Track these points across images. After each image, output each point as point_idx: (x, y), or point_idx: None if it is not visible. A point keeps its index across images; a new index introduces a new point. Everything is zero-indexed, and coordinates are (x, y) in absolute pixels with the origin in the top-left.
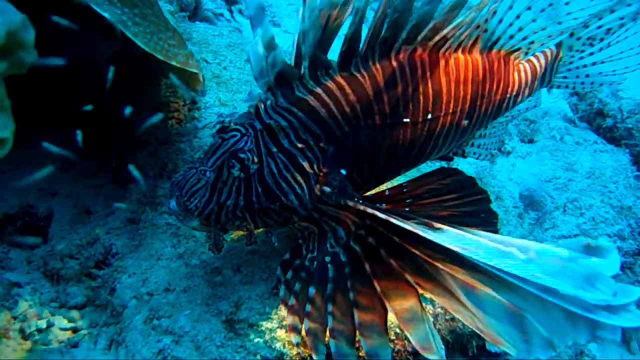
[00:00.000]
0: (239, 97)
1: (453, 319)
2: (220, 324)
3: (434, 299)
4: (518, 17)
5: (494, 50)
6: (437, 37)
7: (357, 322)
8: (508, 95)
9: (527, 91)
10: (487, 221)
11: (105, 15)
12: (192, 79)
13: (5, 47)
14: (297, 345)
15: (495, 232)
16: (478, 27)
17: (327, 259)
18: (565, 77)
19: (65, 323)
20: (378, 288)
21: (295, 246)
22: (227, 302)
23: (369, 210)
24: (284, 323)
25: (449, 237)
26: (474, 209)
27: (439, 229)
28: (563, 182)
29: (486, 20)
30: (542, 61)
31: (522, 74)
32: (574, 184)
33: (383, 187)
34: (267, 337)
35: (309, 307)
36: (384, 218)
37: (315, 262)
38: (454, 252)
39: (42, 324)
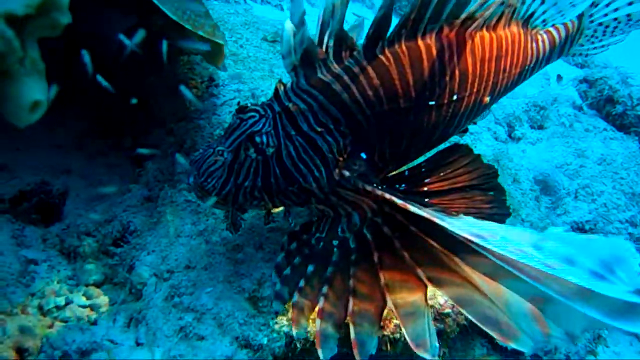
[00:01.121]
0: (256, 75)
1: None
2: (243, 302)
3: (445, 295)
4: None
5: (514, 22)
6: (464, 16)
7: (350, 309)
8: (526, 67)
9: (544, 62)
10: (499, 199)
11: None
12: (215, 51)
13: (40, 7)
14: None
15: (507, 208)
16: (503, 3)
17: (335, 242)
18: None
19: (83, 300)
20: (382, 279)
21: (307, 222)
22: (249, 279)
23: (387, 196)
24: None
25: (465, 224)
26: (488, 186)
27: (456, 217)
28: (574, 169)
29: None
30: (563, 32)
31: (540, 45)
32: (585, 170)
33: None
34: (290, 314)
35: (302, 283)
36: (401, 204)
37: (322, 243)
38: (473, 247)
39: (61, 300)
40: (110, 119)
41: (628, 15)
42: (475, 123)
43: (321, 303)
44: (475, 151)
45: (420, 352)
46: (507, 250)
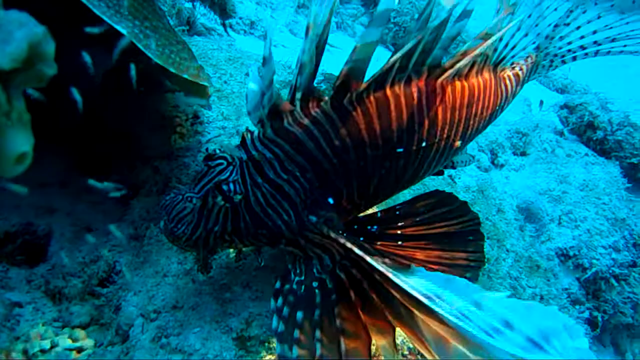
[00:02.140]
0: (241, 110)
1: None
2: (231, 342)
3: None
4: (513, 36)
5: (486, 69)
6: (437, 70)
7: (342, 350)
8: (497, 108)
9: (511, 99)
10: (477, 245)
11: (119, 28)
12: (199, 92)
13: (27, 60)
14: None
15: (482, 256)
16: (476, 54)
17: (315, 284)
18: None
19: (69, 343)
20: (363, 317)
21: (284, 272)
22: (237, 319)
23: (348, 245)
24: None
25: (417, 282)
26: (465, 233)
27: (410, 272)
28: (557, 195)
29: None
30: (525, 68)
31: (509, 83)
32: (568, 196)
33: (376, 208)
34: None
35: (297, 333)
36: (359, 255)
37: (303, 287)
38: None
39: (46, 344)
40: (95, 156)
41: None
42: (454, 167)
43: (318, 350)
44: (459, 182)
45: None
46: (451, 314)
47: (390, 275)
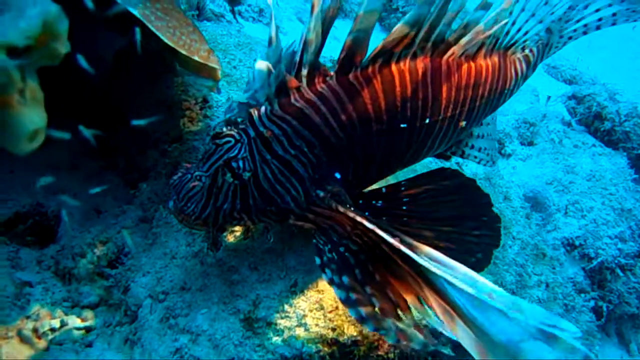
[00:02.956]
0: None
1: None
2: (238, 323)
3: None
4: (527, 20)
5: (496, 52)
6: (442, 45)
7: (393, 300)
8: (506, 91)
9: (522, 82)
10: (489, 225)
11: (130, 9)
12: (210, 75)
13: (40, 38)
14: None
15: (498, 237)
16: (485, 35)
17: (342, 249)
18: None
19: (78, 322)
20: (389, 276)
21: (315, 248)
22: (244, 300)
23: (358, 219)
24: (303, 321)
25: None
26: (475, 211)
27: (423, 251)
28: (564, 185)
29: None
30: (535, 51)
31: (519, 67)
32: (574, 186)
33: (383, 182)
34: (285, 335)
35: (353, 296)
36: (371, 228)
37: (334, 254)
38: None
39: (56, 323)
40: (104, 139)
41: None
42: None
43: (377, 303)
44: (466, 169)
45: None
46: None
47: (401, 247)
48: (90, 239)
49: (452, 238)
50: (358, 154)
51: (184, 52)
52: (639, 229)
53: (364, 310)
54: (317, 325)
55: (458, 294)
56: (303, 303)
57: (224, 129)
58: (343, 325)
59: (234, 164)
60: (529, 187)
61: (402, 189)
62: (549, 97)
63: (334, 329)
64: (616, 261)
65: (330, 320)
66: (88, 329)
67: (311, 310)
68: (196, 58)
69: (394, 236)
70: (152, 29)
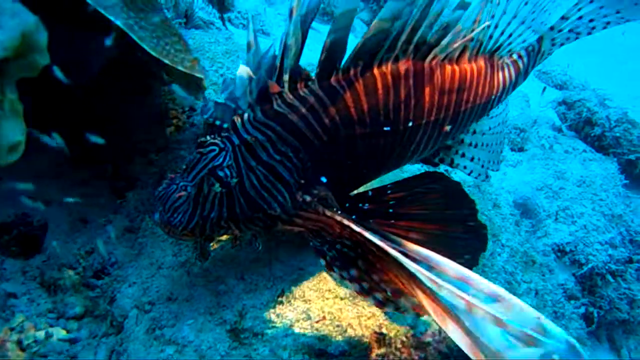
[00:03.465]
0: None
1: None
2: (225, 333)
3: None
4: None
5: (481, 56)
6: (424, 47)
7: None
8: (493, 97)
9: (511, 89)
10: (476, 229)
11: (114, 20)
12: (195, 85)
13: (19, 49)
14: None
15: (484, 238)
16: (467, 39)
17: (338, 246)
18: None
19: (63, 334)
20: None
21: (314, 250)
22: (231, 311)
23: (345, 222)
24: (290, 331)
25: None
26: (460, 214)
27: (411, 250)
28: (554, 191)
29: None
30: (525, 59)
31: (507, 74)
32: (565, 192)
33: (368, 186)
34: (272, 345)
35: (366, 285)
36: (359, 231)
37: (334, 251)
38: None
39: (40, 335)
40: (90, 148)
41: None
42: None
43: (388, 289)
44: (455, 177)
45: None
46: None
47: (390, 250)
48: (76, 249)
49: (439, 240)
50: (343, 158)
51: (167, 62)
52: (629, 234)
53: (380, 296)
54: (304, 335)
55: (447, 298)
56: (290, 313)
57: (208, 138)
58: (330, 335)
59: (219, 172)
60: (519, 194)
61: (389, 192)
62: (544, 88)
63: (321, 339)
64: (607, 267)
65: (317, 330)
66: (73, 341)
67: (298, 320)
68: (180, 68)
69: (382, 238)
70: (136, 39)
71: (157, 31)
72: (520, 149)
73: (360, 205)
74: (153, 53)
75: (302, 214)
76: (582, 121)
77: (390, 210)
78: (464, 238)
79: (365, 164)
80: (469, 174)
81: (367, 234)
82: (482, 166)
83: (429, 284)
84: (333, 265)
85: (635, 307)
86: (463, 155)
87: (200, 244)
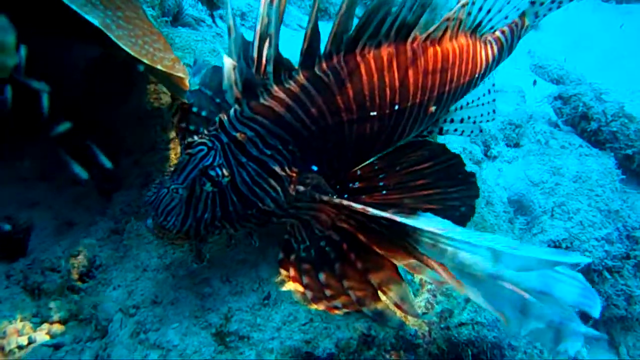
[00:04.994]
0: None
1: (448, 327)
2: (210, 337)
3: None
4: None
5: (462, 34)
6: (404, 30)
7: (375, 284)
8: (477, 75)
9: (494, 66)
10: (466, 180)
11: (89, 18)
12: (178, 84)
13: None
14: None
15: (475, 185)
16: (447, 19)
17: (322, 243)
18: None
19: (47, 339)
20: (380, 251)
21: (284, 243)
22: (216, 314)
23: (345, 203)
24: (277, 334)
25: (425, 221)
26: (448, 171)
27: (414, 215)
28: (550, 187)
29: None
30: (508, 34)
31: (489, 51)
32: (561, 188)
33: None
34: (258, 349)
35: (328, 292)
36: (360, 209)
37: (312, 250)
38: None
39: (23, 340)
40: (76, 149)
41: None
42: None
43: (353, 295)
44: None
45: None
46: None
47: (397, 218)
48: (60, 252)
49: (433, 199)
50: (331, 145)
51: (146, 61)
52: (626, 230)
53: (340, 303)
54: (290, 338)
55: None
56: (276, 315)
57: (195, 138)
58: (318, 338)
59: (211, 172)
60: (514, 190)
61: (376, 167)
62: (535, 82)
63: (308, 342)
64: (603, 263)
65: (304, 332)
66: (57, 346)
67: (284, 323)
68: (159, 67)
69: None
70: (113, 38)
71: (135, 30)
72: (516, 145)
73: (351, 185)
74: (131, 52)
75: (296, 204)
76: (578, 116)
77: (381, 184)
78: (456, 191)
79: (354, 150)
80: (460, 135)
81: (370, 210)
82: (474, 122)
83: (447, 242)
84: (292, 266)
85: (633, 303)
86: (452, 120)
87: (195, 246)
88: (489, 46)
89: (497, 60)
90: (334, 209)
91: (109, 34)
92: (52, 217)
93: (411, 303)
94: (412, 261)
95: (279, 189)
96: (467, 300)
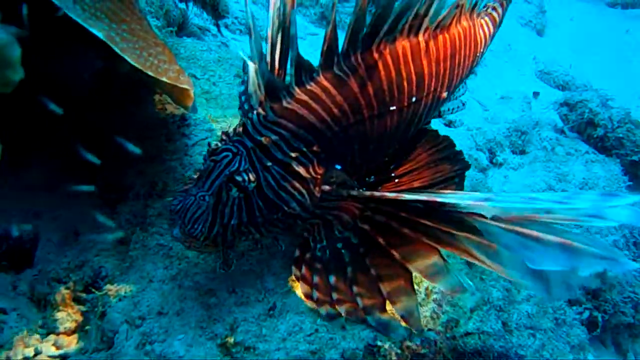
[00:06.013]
0: (229, 112)
1: (454, 337)
2: (216, 348)
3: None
4: None
5: (463, 17)
6: (417, 22)
7: (385, 293)
8: (478, 54)
9: (489, 41)
10: (457, 158)
11: (94, 31)
12: (183, 95)
13: None
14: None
15: (462, 158)
16: (457, 6)
17: (339, 245)
18: None
19: (53, 350)
20: (397, 255)
21: (302, 241)
22: (222, 324)
23: (377, 194)
24: (282, 345)
25: (462, 196)
26: (441, 152)
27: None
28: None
29: None
30: (500, 9)
31: (486, 29)
32: None
33: None
34: (265, 359)
35: (335, 295)
36: (394, 196)
37: (327, 251)
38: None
39: (29, 352)
40: (81, 159)
41: None
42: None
43: (360, 302)
44: None
45: (459, 294)
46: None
47: (436, 197)
48: (66, 263)
49: (436, 178)
50: (354, 143)
51: (151, 73)
52: (633, 237)
53: (344, 309)
54: (296, 348)
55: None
56: (282, 326)
57: (219, 145)
58: (324, 348)
59: (238, 178)
60: None
61: (386, 158)
62: (537, 94)
63: (314, 352)
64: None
65: (310, 343)
66: (63, 357)
67: (290, 334)
68: (164, 79)
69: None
70: (118, 50)
71: (139, 42)
72: (522, 152)
73: (367, 179)
74: (136, 65)
75: (321, 204)
76: (585, 122)
77: (392, 175)
78: (451, 167)
79: (375, 145)
80: (451, 112)
81: (405, 195)
82: (456, 98)
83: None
84: (305, 264)
85: None
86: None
87: (222, 253)
88: (484, 24)
89: (492, 36)
90: (361, 205)
91: (113, 46)
92: (58, 227)
93: (417, 317)
94: (435, 259)
95: (304, 191)
96: (473, 309)
